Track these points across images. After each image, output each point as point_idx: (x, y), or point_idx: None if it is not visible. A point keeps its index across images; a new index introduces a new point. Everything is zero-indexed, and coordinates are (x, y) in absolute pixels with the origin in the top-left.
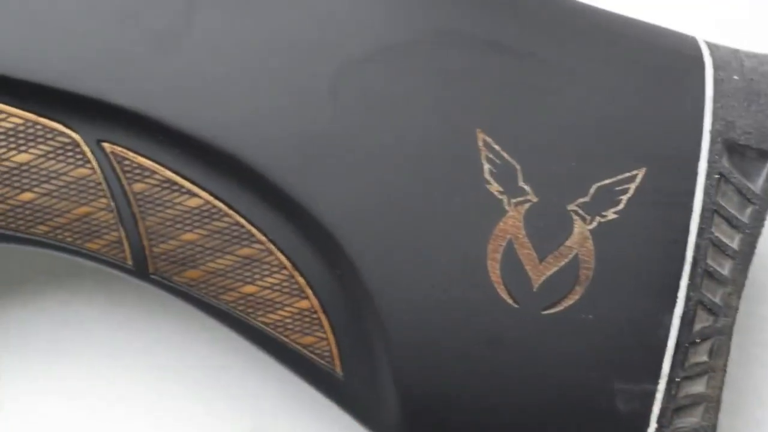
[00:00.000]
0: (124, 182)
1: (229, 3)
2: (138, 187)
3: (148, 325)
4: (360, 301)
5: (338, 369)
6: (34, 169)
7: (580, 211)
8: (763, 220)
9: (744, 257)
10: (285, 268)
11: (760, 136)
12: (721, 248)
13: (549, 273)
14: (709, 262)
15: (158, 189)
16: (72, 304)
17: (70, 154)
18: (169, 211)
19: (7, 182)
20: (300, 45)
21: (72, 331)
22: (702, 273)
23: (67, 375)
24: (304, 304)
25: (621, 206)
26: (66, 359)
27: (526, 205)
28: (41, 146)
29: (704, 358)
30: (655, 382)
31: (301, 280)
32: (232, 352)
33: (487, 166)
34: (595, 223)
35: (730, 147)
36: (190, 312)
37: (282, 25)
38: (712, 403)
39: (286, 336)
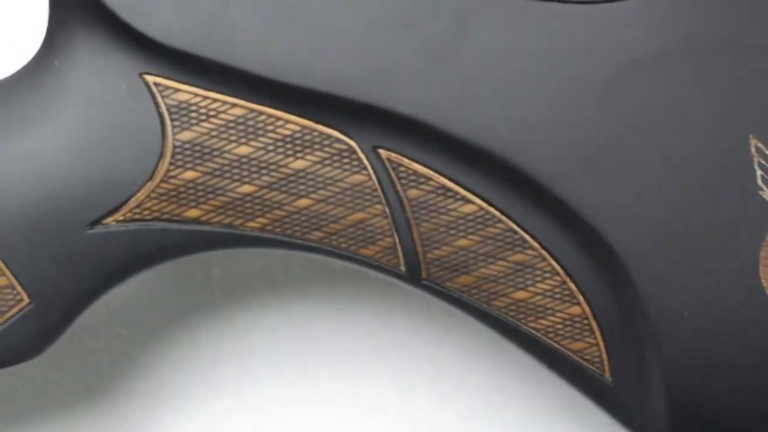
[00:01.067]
0: (399, 188)
1: (502, 10)
2: (413, 193)
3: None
4: (632, 308)
5: (607, 374)
6: (310, 176)
7: None
8: None
9: None
10: (557, 274)
11: None
12: None
13: None
14: None
15: (432, 195)
16: (317, 308)
17: (346, 160)
18: (443, 217)
19: (284, 189)
20: (572, 51)
21: (319, 334)
22: None
23: (317, 377)
24: (576, 310)
25: None
26: (316, 362)
27: None
28: (318, 153)
29: None
30: None
31: (572, 286)
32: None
33: (759, 173)
34: None
35: None
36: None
37: (554, 31)
38: None
39: (557, 341)
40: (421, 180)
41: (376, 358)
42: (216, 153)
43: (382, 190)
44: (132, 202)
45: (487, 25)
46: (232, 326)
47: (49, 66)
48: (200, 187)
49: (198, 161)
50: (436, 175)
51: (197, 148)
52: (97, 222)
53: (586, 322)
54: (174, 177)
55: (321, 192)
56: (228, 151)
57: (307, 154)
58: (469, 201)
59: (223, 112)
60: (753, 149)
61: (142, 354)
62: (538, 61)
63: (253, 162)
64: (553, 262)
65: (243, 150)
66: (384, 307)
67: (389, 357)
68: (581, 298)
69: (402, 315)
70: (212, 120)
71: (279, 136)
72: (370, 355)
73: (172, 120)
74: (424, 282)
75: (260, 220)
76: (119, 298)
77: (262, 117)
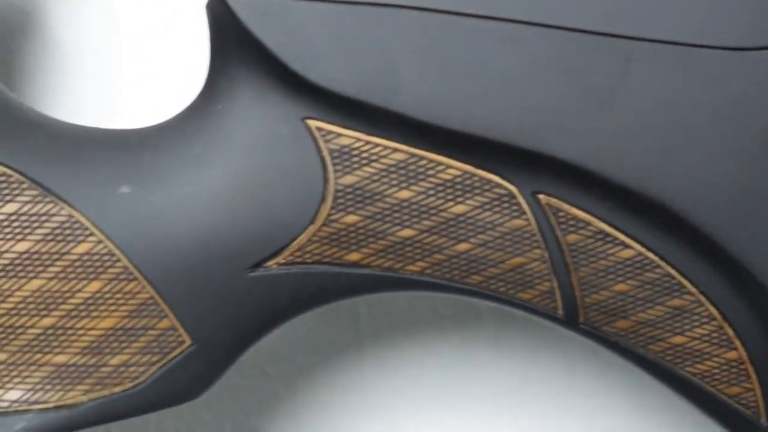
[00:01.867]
0: (558, 233)
1: (665, 57)
2: (572, 238)
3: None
4: None
5: (763, 419)
6: (470, 220)
7: None
8: None
9: None
10: (714, 319)
11: None
12: None
13: None
14: None
15: (591, 240)
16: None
17: (506, 205)
18: (602, 262)
19: (444, 233)
20: (734, 97)
21: (466, 373)
22: None
23: (464, 417)
24: (733, 354)
25: None
26: (462, 402)
27: None
28: (478, 197)
29: None
30: None
31: (730, 331)
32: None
33: None
34: None
35: None
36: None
37: (716, 78)
38: None
39: (713, 386)
40: (581, 225)
41: (520, 397)
42: (377, 197)
43: (542, 235)
44: (293, 246)
45: (650, 72)
46: (379, 365)
47: (211, 109)
48: (361, 231)
49: (359, 205)
50: (596, 220)
51: (359, 192)
52: (258, 265)
53: (742, 366)
54: (335, 221)
55: (480, 236)
56: (389, 195)
57: (467, 198)
58: (627, 246)
59: (385, 156)
60: None
61: (290, 392)
62: (700, 107)
63: (414, 206)
64: (711, 308)
65: (404, 194)
66: (528, 347)
67: (533, 396)
68: (738, 343)
69: (545, 355)
70: (374, 164)
71: (439, 181)
72: (514, 394)
73: (334, 164)
74: (582, 326)
75: (420, 263)
76: (267, 336)
77: (423, 162)
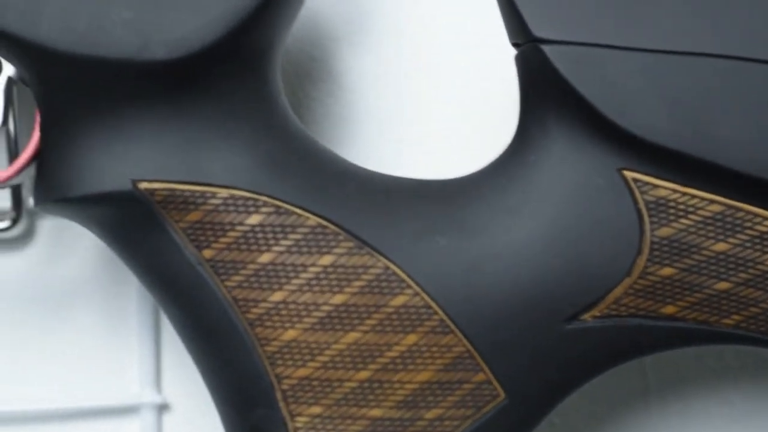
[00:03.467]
0: None
1: None
2: None
3: None
4: None
5: None
6: (731, 258)
7: None
8: None
9: None
10: None
11: None
12: None
13: None
14: None
15: None
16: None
17: None
18: None
19: (761, 286)
20: None
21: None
22: None
23: None
24: None
25: None
26: None
27: None
28: (739, 235)
29: None
30: None
31: None
32: None
33: None
34: None
35: None
36: None
37: None
38: None
39: None
40: None
41: None
42: (693, 250)
43: None
44: (609, 298)
45: None
46: (665, 414)
47: (523, 160)
48: (677, 284)
49: (675, 258)
50: None
51: (675, 244)
52: (574, 317)
53: None
54: (651, 273)
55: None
56: (706, 248)
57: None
58: None
59: (702, 208)
60: None
61: None
62: None
63: (731, 259)
64: None
65: (721, 246)
66: None
67: None
68: None
69: None
70: (690, 216)
71: (756, 233)
72: None
73: (650, 216)
74: None
75: (735, 317)
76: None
77: (740, 213)
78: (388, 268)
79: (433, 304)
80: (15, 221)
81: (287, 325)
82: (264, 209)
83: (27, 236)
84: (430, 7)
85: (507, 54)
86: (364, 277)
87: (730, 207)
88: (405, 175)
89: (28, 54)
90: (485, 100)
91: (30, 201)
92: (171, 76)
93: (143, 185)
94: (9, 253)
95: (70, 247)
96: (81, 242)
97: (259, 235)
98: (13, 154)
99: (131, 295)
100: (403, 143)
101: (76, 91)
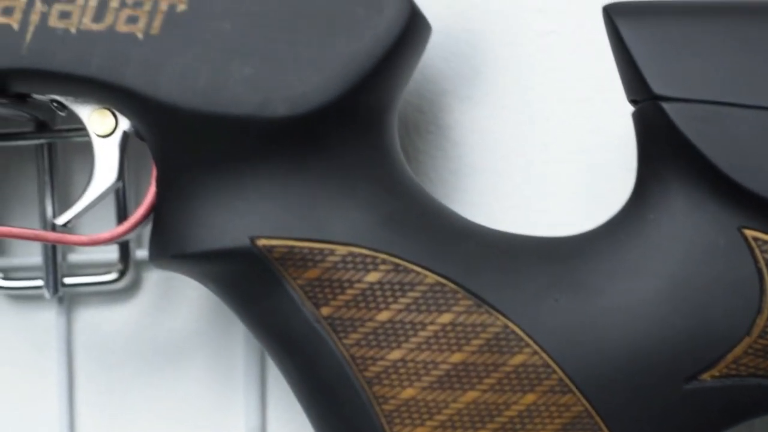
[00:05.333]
0: None
1: None
2: None
3: None
4: None
5: None
6: None
7: None
8: None
9: None
10: None
11: None
12: None
13: None
14: None
15: None
16: None
17: None
18: None
19: None
20: None
21: None
22: None
23: None
24: None
25: None
26: None
27: None
28: None
29: None
30: None
31: None
32: None
33: None
34: None
35: None
36: None
37: None
38: None
39: None
40: None
41: None
42: None
43: None
44: (728, 358)
45: None
46: None
47: (642, 218)
48: None
49: None
50: None
51: None
52: (693, 377)
53: None
54: None
55: None
56: None
57: None
58: None
59: None
60: None
61: None
62: None
63: None
64: None
65: None
66: None
67: None
68: None
69: None
70: None
71: None
72: None
73: None
74: None
75: None
76: None
77: None
78: (507, 326)
79: (552, 363)
80: (122, 273)
81: (405, 383)
82: (382, 267)
83: (134, 288)
84: (539, 60)
85: (621, 108)
86: (483, 335)
87: None
88: (516, 231)
89: (148, 110)
90: (598, 155)
91: (137, 253)
92: (291, 133)
93: (261, 242)
94: (116, 305)
95: (176, 298)
96: (187, 293)
97: (378, 293)
98: (122, 209)
99: (237, 347)
100: (512, 198)
101: (195, 147)
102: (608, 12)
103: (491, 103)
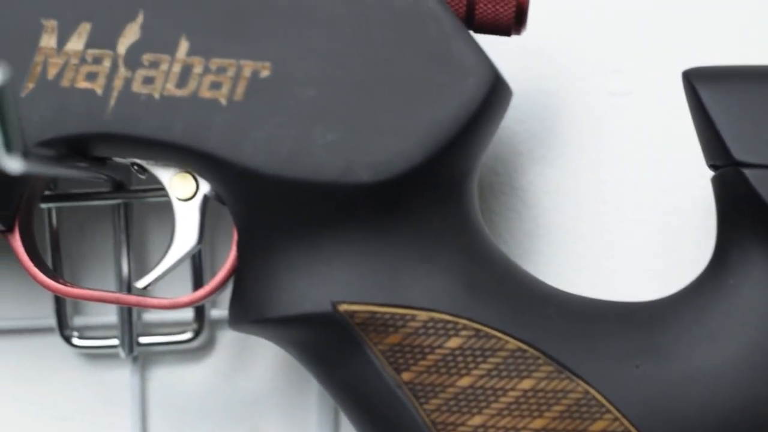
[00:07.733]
0: None
1: None
2: None
3: None
4: None
5: None
6: None
7: None
8: None
9: None
10: None
11: None
12: None
13: None
14: None
15: None
16: None
17: None
18: None
19: None
20: None
21: None
22: None
23: None
24: None
25: None
26: None
27: None
28: None
29: None
30: None
31: None
32: None
33: None
34: None
35: None
36: None
37: None
38: None
39: None
40: None
41: None
42: None
43: None
44: None
45: None
46: None
47: (722, 283)
48: None
49: None
50: None
51: None
52: None
53: None
54: None
55: None
56: None
57: None
58: None
59: None
60: None
61: None
62: None
63: None
64: None
65: None
66: None
67: None
68: None
69: None
70: None
71: None
72: None
73: None
74: None
75: None
76: None
77: None
78: (588, 392)
79: (634, 430)
80: (197, 333)
81: None
82: (463, 332)
83: (208, 347)
84: (614, 121)
85: (697, 171)
86: (564, 401)
87: None
88: (589, 292)
89: (231, 175)
90: (673, 217)
91: (212, 312)
92: (374, 199)
93: (343, 307)
94: (190, 364)
95: (250, 357)
96: (261, 353)
97: (459, 359)
98: (198, 271)
99: (311, 406)
100: (585, 259)
101: (278, 212)
102: (688, 77)
103: (565, 165)
